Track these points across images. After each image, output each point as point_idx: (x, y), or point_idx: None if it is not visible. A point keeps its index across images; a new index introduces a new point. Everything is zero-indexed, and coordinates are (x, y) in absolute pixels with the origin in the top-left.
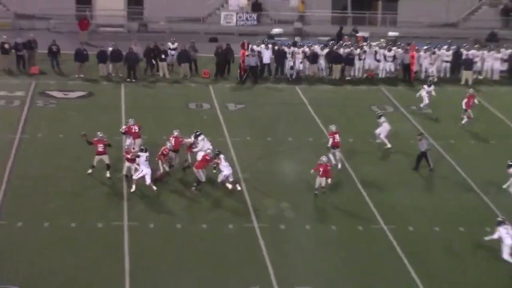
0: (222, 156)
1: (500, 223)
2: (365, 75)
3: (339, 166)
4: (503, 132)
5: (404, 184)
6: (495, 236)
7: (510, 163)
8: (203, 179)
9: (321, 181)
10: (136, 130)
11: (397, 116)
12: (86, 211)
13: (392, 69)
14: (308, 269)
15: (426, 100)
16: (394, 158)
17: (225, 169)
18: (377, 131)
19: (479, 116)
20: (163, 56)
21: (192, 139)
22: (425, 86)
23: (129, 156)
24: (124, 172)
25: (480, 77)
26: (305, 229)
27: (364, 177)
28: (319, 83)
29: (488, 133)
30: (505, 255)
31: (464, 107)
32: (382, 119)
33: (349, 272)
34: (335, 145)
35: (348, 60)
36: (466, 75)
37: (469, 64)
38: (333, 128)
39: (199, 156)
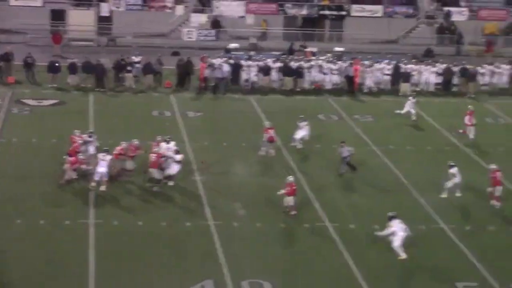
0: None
1: (391, 218)
2: (313, 86)
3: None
4: (438, 139)
5: (346, 186)
6: (389, 231)
7: (452, 164)
8: (160, 177)
9: (288, 200)
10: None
11: (342, 124)
12: (56, 209)
13: (338, 81)
14: (259, 264)
15: (410, 109)
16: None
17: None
18: (297, 135)
19: (416, 124)
20: (129, 68)
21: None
22: (410, 98)
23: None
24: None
25: (417, 89)
26: (256, 226)
27: (311, 179)
28: (272, 93)
29: (424, 139)
30: (396, 244)
31: (467, 122)
32: (303, 123)
33: (296, 266)
34: (270, 140)
35: (298, 73)
36: (404, 87)
37: (407, 77)
38: (267, 124)
39: (153, 157)
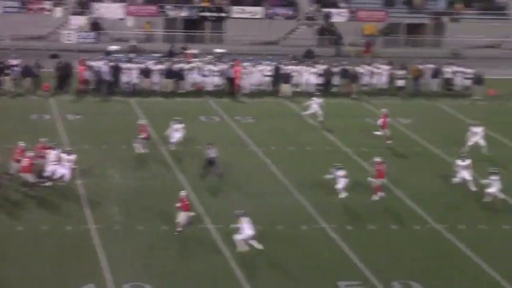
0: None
1: (239, 215)
2: (194, 88)
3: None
4: (319, 139)
5: (225, 187)
6: (237, 226)
7: (338, 165)
8: (33, 180)
9: (183, 215)
10: None
11: (223, 125)
12: None
13: (219, 83)
14: (140, 267)
15: (317, 110)
16: (224, 167)
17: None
18: (172, 138)
19: (298, 125)
20: (7, 71)
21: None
22: (315, 98)
23: None
24: None
25: (298, 90)
26: (137, 229)
27: (193, 181)
28: (153, 95)
29: (306, 140)
30: (239, 237)
31: (380, 124)
32: (179, 125)
33: (177, 268)
34: (146, 138)
35: (179, 75)
36: (285, 88)
37: (287, 78)
38: (142, 121)
39: (26, 161)
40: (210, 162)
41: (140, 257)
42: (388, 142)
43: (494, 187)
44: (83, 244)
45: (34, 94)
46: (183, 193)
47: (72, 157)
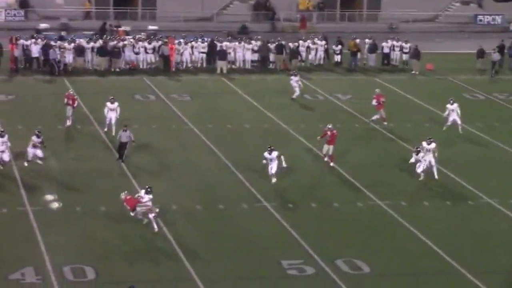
0: None
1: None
2: (128, 66)
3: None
4: (257, 117)
5: (170, 168)
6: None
7: (270, 147)
8: None
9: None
10: None
11: (159, 104)
12: None
13: (153, 60)
14: (80, 248)
15: (296, 91)
16: (161, 146)
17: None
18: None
19: (232, 102)
20: None
21: None
22: (292, 77)
23: None
24: None
25: (234, 67)
26: (75, 211)
27: (130, 162)
28: (86, 74)
29: (243, 118)
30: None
31: (375, 103)
32: (114, 104)
33: (117, 248)
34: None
35: (114, 53)
36: (221, 64)
37: (223, 55)
38: (70, 92)
39: None
40: (121, 147)
41: (79, 239)
42: (384, 123)
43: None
44: (20, 227)
45: None
46: (123, 196)
47: (5, 138)
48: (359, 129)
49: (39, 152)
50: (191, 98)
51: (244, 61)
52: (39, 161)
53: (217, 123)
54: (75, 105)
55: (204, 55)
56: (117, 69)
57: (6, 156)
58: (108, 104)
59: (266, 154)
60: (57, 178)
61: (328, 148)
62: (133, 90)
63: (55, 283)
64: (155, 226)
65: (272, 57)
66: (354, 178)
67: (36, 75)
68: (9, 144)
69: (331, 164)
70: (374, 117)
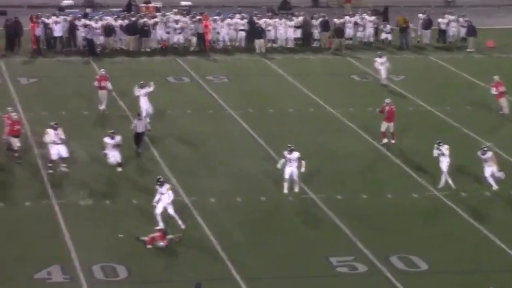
0: None
1: (161, 184)
2: (159, 45)
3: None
4: (301, 100)
5: (208, 157)
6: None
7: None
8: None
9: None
10: None
11: (194, 86)
12: None
13: (187, 39)
14: (111, 246)
15: (383, 74)
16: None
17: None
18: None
19: (274, 84)
20: None
21: None
22: (377, 59)
23: None
24: None
25: (275, 46)
26: (105, 204)
27: (164, 151)
28: (114, 55)
29: (286, 101)
30: (157, 211)
31: (494, 92)
32: (144, 90)
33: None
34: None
35: (143, 31)
36: (259, 43)
37: (260, 32)
38: (102, 72)
39: None
40: (137, 138)
41: (109, 235)
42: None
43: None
44: (45, 222)
45: None
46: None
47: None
48: (413, 113)
49: (63, 150)
50: (229, 80)
51: (286, 39)
52: (64, 168)
53: (257, 107)
54: (107, 86)
55: (244, 33)
56: (148, 49)
57: (64, 151)
58: (139, 89)
59: (286, 153)
60: (84, 168)
61: (387, 126)
62: (166, 71)
63: (84, 283)
64: (181, 223)
65: (316, 34)
66: (409, 166)
67: (59, 56)
68: (63, 137)
69: (393, 141)
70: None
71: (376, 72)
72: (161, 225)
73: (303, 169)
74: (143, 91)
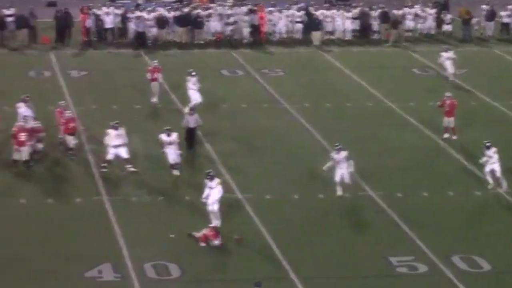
0: None
1: (211, 177)
2: (213, 37)
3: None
4: (359, 95)
5: (264, 152)
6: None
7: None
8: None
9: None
10: None
11: (248, 80)
12: None
13: (242, 31)
14: (163, 243)
15: (450, 69)
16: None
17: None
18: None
19: (331, 77)
20: None
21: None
22: (443, 53)
23: None
24: None
25: (333, 38)
26: (158, 200)
27: (218, 146)
28: (167, 47)
29: (344, 95)
30: (211, 208)
31: None
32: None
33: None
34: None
35: (196, 23)
36: (315, 35)
37: (317, 24)
38: (154, 63)
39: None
40: (189, 133)
41: (162, 232)
42: None
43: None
44: (96, 219)
45: (31, 48)
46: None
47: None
48: (476, 107)
49: (123, 151)
50: (285, 73)
51: (344, 31)
52: (131, 168)
53: (314, 102)
54: (159, 78)
55: (300, 25)
56: (201, 41)
57: (124, 152)
58: (190, 78)
59: (333, 154)
60: (136, 163)
61: (448, 121)
62: (219, 64)
63: (135, 282)
64: (218, 223)
65: (375, 26)
66: (471, 162)
67: (110, 48)
68: (126, 139)
69: (454, 137)
70: None
71: (441, 67)
72: (216, 223)
73: (351, 169)
74: (193, 80)
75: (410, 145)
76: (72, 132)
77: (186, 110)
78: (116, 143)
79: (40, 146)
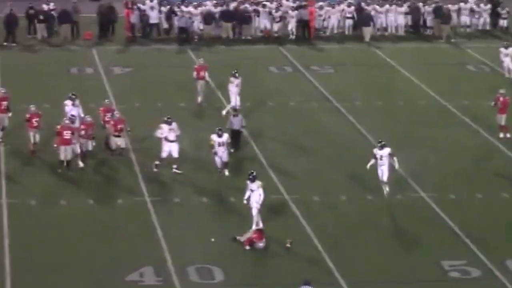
0: None
1: (253, 178)
2: (262, 34)
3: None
4: (412, 92)
5: (312, 152)
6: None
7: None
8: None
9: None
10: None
11: (297, 77)
12: None
13: (291, 27)
14: (206, 246)
15: (506, 67)
16: (300, 127)
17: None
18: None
19: (383, 75)
20: (41, 17)
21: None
22: (502, 49)
23: None
24: None
25: (386, 34)
26: (201, 201)
27: (271, 148)
28: (212, 43)
29: (396, 93)
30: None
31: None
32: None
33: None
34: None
35: (243, 18)
36: (366, 31)
37: (369, 20)
38: (200, 61)
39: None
40: (234, 136)
41: (205, 235)
42: None
43: None
44: (138, 221)
45: (73, 43)
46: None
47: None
48: None
49: (174, 149)
50: (335, 71)
51: (396, 26)
52: (176, 170)
53: (365, 100)
54: (205, 76)
55: (351, 21)
56: (248, 37)
57: (175, 150)
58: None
59: (376, 150)
60: (181, 163)
61: (500, 118)
62: (267, 61)
63: (178, 286)
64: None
65: (429, 21)
66: None
67: (155, 44)
68: (178, 133)
69: (508, 135)
70: None
71: (499, 63)
72: (260, 225)
73: (396, 166)
74: (237, 81)
75: (464, 145)
76: (120, 134)
77: (223, 112)
78: (170, 138)
79: (91, 144)
